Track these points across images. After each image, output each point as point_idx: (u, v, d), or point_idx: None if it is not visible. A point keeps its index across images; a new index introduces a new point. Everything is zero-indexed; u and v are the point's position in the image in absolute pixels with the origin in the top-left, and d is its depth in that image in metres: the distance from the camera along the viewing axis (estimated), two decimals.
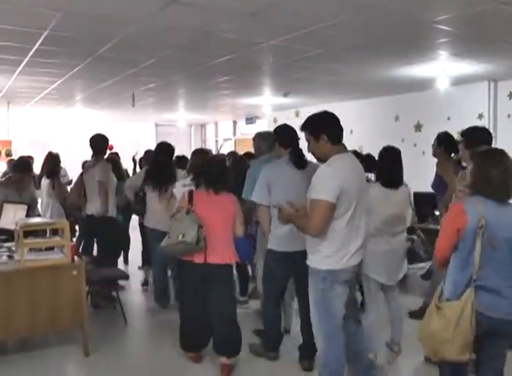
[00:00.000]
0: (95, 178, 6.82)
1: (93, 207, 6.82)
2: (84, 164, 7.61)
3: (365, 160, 5.90)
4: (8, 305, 4.84)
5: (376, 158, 5.34)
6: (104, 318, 6.43)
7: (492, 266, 3.12)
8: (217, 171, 4.91)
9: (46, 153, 8.20)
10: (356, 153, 5.99)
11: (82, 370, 5.04)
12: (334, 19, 5.63)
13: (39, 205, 7.74)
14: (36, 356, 5.27)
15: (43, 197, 7.78)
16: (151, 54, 7.38)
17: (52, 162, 7.79)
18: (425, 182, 6.89)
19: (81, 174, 7.12)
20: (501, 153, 3.32)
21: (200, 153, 6.45)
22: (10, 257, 5.31)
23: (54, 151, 8.54)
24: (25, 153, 9.83)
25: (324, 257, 3.78)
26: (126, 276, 6.71)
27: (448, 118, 10.42)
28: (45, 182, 7.66)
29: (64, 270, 5.10)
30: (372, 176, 6.52)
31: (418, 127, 11.10)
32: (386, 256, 4.90)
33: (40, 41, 6.47)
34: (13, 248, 5.50)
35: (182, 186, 5.85)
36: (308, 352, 4.83)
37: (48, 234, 5.83)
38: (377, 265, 4.88)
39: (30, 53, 7.18)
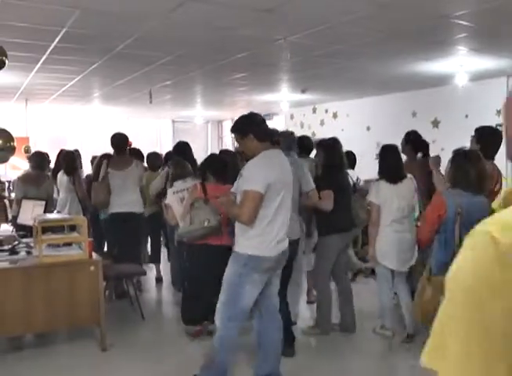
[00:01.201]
0: (136, 181, 7.18)
1: (130, 204, 7.04)
2: (93, 161, 7.72)
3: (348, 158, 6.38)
4: (26, 300, 4.89)
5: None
6: (121, 313, 6.47)
7: None
8: (221, 164, 5.53)
9: (59, 151, 8.33)
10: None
11: (99, 364, 5.06)
12: (352, 15, 5.61)
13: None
14: (53, 351, 5.32)
15: (60, 192, 7.83)
16: (168, 51, 7.39)
17: (69, 159, 7.83)
18: None
19: (107, 172, 7.03)
20: (477, 155, 4.13)
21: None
22: (28, 252, 5.37)
23: (70, 148, 8.64)
24: (42, 150, 9.90)
25: (249, 243, 4.09)
26: (143, 272, 6.74)
27: (466, 115, 10.34)
28: (62, 177, 7.70)
29: (82, 266, 5.15)
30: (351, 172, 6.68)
31: (435, 123, 11.03)
32: (396, 244, 5.34)
33: (58, 38, 6.51)
34: (31, 244, 5.55)
35: (172, 193, 5.91)
36: (286, 338, 4.79)
37: (65, 230, 5.87)
38: (389, 253, 5.38)
39: (49, 51, 7.23)
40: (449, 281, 0.99)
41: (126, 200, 7.01)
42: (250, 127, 4.20)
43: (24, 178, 7.57)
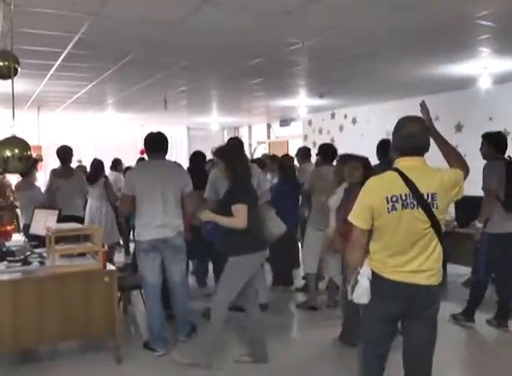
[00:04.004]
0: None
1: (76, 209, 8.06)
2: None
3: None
4: (39, 311, 4.91)
5: None
6: (136, 324, 6.49)
7: None
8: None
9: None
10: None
11: None
12: (371, 17, 5.61)
13: None
14: (67, 364, 5.34)
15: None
16: (183, 56, 7.43)
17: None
18: (467, 186, 6.79)
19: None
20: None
21: None
22: (41, 263, 5.39)
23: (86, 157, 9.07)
24: (53, 158, 10.10)
25: (136, 231, 5.61)
26: None
27: (490, 118, 10.27)
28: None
29: (96, 276, 5.17)
30: None
31: (459, 128, 10.98)
32: None
33: (71, 45, 6.56)
34: (44, 254, 5.58)
35: None
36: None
37: (80, 240, 5.90)
38: None
39: (61, 57, 7.29)
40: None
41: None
42: (145, 143, 5.86)
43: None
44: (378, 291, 3.33)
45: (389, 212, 3.23)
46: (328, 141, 14.30)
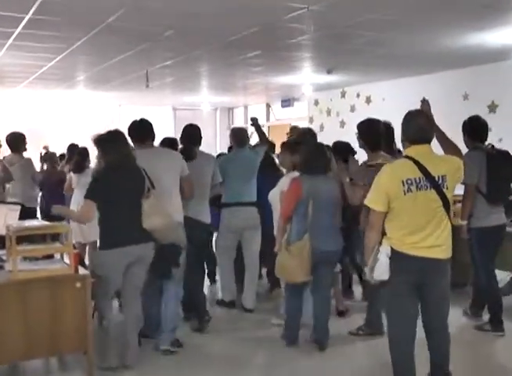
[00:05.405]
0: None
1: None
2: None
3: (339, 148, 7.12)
4: None
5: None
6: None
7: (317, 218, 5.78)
8: None
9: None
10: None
11: None
12: None
13: None
14: None
15: None
16: (169, 24, 7.40)
17: None
18: None
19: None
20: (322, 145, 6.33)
21: None
22: (0, 267, 5.35)
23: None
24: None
25: None
26: None
27: None
28: None
29: (66, 282, 5.13)
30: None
31: (492, 107, 10.92)
32: None
33: (33, 8, 6.51)
34: (4, 257, 5.53)
35: None
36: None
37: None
38: None
39: (22, 24, 7.24)
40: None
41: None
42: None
43: None
44: (397, 265, 4.28)
45: (405, 194, 4.20)
46: (337, 124, 14.32)
